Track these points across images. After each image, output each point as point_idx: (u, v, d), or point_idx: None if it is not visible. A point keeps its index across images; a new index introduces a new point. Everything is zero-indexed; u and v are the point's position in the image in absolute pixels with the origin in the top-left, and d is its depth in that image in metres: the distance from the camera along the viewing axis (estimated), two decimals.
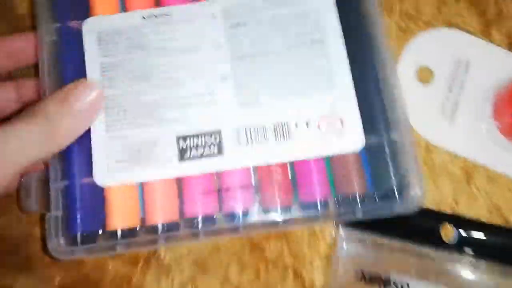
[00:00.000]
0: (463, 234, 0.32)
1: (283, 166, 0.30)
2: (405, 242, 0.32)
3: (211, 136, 0.30)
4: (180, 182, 0.30)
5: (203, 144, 0.30)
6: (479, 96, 0.35)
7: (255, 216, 0.30)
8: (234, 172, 0.30)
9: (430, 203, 0.34)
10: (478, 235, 0.32)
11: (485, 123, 0.34)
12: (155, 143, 0.30)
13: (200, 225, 0.30)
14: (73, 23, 0.31)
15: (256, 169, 0.30)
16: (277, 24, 0.31)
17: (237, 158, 0.30)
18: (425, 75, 0.35)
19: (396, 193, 0.30)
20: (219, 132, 0.30)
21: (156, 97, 0.30)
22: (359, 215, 0.30)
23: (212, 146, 0.30)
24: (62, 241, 0.29)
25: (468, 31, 0.36)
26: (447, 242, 0.32)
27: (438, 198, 0.34)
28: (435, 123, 0.35)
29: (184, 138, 0.30)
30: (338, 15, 0.31)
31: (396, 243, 0.32)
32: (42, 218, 0.30)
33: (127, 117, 0.30)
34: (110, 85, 0.31)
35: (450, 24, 0.36)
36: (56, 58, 0.31)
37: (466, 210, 0.34)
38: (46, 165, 0.30)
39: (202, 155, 0.30)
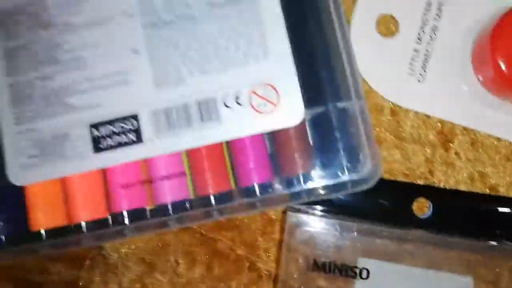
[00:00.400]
0: (439, 207, 0.27)
1: (216, 148, 0.26)
2: (369, 223, 0.27)
3: (127, 121, 0.26)
4: (103, 174, 0.27)
5: (119, 131, 0.26)
6: (455, 45, 0.28)
7: (189, 206, 0.26)
8: (160, 159, 0.26)
9: (400, 175, 0.29)
10: (456, 206, 0.28)
11: (464, 77, 0.28)
12: (66, 134, 0.26)
13: (127, 221, 0.26)
14: None
15: (186, 154, 0.26)
16: None
17: (159, 145, 0.26)
18: (387, 25, 0.29)
19: (346, 169, 0.25)
20: (135, 117, 0.26)
21: (63, 81, 0.27)
22: (306, 198, 0.26)
23: (129, 133, 0.26)
24: None
25: None
26: (420, 217, 0.27)
27: (409, 168, 0.29)
28: (402, 82, 0.28)
29: (96, 126, 0.26)
30: None
31: (358, 225, 0.28)
32: None
33: (35, 107, 0.27)
34: (16, 72, 0.27)
35: None
36: None
37: (444, 180, 0.29)
38: None
39: (119, 144, 0.26)
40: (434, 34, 0.28)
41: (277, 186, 0.26)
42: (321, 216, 0.28)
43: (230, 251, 0.30)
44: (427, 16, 0.28)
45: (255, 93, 0.25)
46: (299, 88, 0.25)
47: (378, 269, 0.27)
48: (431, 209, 0.28)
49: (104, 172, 0.27)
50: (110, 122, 0.26)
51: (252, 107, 0.25)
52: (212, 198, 0.26)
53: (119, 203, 0.26)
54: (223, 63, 0.26)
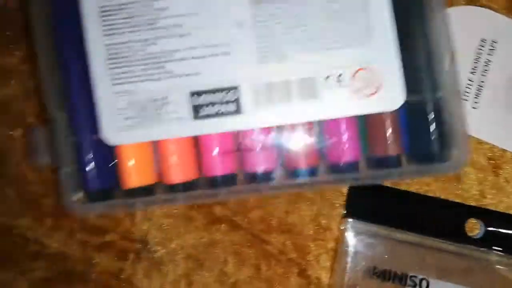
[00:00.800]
0: (490, 228, 0.29)
1: (309, 125, 0.27)
2: (424, 236, 0.29)
3: (227, 92, 0.27)
4: (196, 141, 0.28)
5: (220, 101, 0.27)
6: (506, 79, 0.30)
7: (278, 177, 0.28)
8: (255, 132, 0.27)
9: (452, 196, 0.30)
10: (507, 230, 0.29)
11: None
12: (166, 98, 0.27)
13: (220, 184, 0.28)
14: None
15: (280, 128, 0.27)
16: None
17: (257, 118, 0.27)
18: None
19: (435, 154, 0.27)
20: (236, 88, 0.27)
21: (164, 47, 0.27)
22: (394, 177, 0.28)
23: (229, 104, 0.27)
24: (76, 197, 0.28)
25: (494, 9, 0.31)
26: (472, 237, 0.29)
27: (462, 190, 0.30)
28: None
29: (198, 94, 0.27)
30: None
31: (413, 237, 0.29)
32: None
33: (133, 70, 0.27)
34: (112, 32, 0.27)
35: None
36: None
37: (494, 203, 0.30)
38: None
39: (218, 113, 0.27)
40: (487, 67, 0.30)
41: (363, 165, 0.28)
42: (380, 225, 0.29)
43: (281, 254, 0.31)
44: (481, 50, 0.31)
45: (356, 75, 0.26)
46: (401, 74, 0.26)
47: (435, 282, 0.29)
48: (483, 230, 0.29)
49: (196, 138, 0.28)
50: (212, 91, 0.27)
51: (352, 88, 0.26)
52: (304, 172, 0.27)
53: (212, 169, 0.28)
54: (327, 43, 0.26)
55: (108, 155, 0.28)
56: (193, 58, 0.26)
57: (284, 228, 0.31)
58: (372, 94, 0.26)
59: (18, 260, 0.32)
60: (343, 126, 0.27)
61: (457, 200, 0.30)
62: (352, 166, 0.27)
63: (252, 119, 0.27)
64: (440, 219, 0.30)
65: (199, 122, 0.27)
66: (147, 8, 0.26)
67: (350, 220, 0.30)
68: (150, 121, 0.27)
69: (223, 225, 0.31)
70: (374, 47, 0.26)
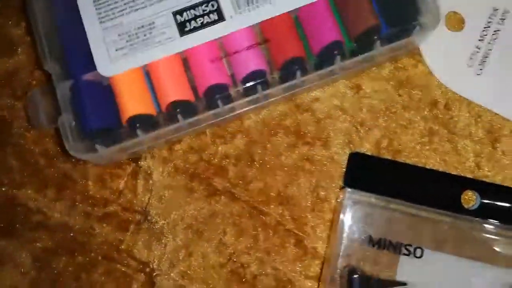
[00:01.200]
0: (485, 200, 0.29)
1: (286, 17, 0.29)
2: (420, 207, 0.29)
3: (207, 3, 0.29)
4: (185, 59, 0.29)
5: (202, 13, 0.29)
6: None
7: (269, 77, 0.29)
8: (238, 33, 0.29)
9: (450, 168, 0.31)
10: (503, 201, 0.29)
11: None
12: (153, 23, 0.29)
13: (216, 96, 0.28)
14: None
15: (259, 26, 0.29)
16: None
17: (239, 21, 0.29)
18: (454, 22, 0.32)
19: (411, 18, 0.29)
20: None
21: None
22: (377, 46, 0.29)
23: (211, 14, 0.29)
24: (79, 140, 0.28)
25: None
26: (467, 208, 0.30)
27: (459, 162, 0.31)
28: (462, 74, 0.32)
29: (181, 12, 0.29)
30: None
31: (409, 208, 0.29)
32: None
33: (118, 5, 0.29)
34: None
35: None
36: None
37: (490, 175, 0.31)
38: (48, 75, 0.29)
39: (202, 25, 0.28)
40: (496, 36, 0.32)
41: (347, 44, 0.29)
42: (377, 195, 0.30)
43: (278, 225, 0.31)
44: (492, 19, 0.32)
45: None
46: None
47: (430, 252, 0.29)
48: (478, 202, 0.30)
49: (184, 57, 0.29)
50: (192, 7, 0.29)
51: None
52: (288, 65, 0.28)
53: (207, 79, 0.28)
54: None
55: (104, 92, 0.29)
56: None
57: (282, 199, 0.31)
58: None
59: (20, 230, 0.31)
60: (318, 10, 0.29)
61: (454, 172, 0.31)
62: (336, 45, 0.29)
63: (235, 22, 0.28)
64: (436, 191, 0.30)
65: (186, 37, 0.29)
66: None
67: (348, 190, 0.30)
68: (141, 47, 0.29)
69: (222, 196, 0.31)
70: None
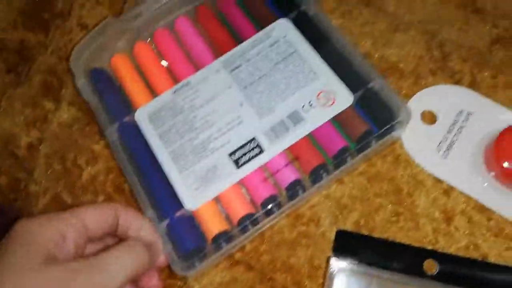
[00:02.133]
0: (444, 267, 0.37)
1: (307, 139, 0.41)
2: (392, 273, 0.37)
3: (250, 143, 0.41)
4: (242, 184, 0.41)
5: (248, 150, 0.41)
6: (473, 143, 0.41)
7: (304, 182, 0.41)
8: (276, 159, 0.41)
9: (413, 241, 0.39)
10: (458, 268, 0.37)
11: (475, 166, 0.41)
12: (216, 165, 0.41)
13: (269, 206, 0.40)
14: (126, 118, 0.44)
15: (289, 149, 0.41)
16: (260, 55, 0.44)
17: (273, 149, 0.41)
18: (429, 117, 0.43)
19: (389, 121, 0.41)
20: (253, 139, 0.41)
21: (202, 137, 0.42)
22: (373, 144, 0.41)
23: (254, 149, 0.41)
24: (179, 261, 0.38)
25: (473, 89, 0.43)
26: (429, 274, 0.37)
27: (420, 236, 0.40)
28: (432, 156, 0.42)
29: (234, 153, 0.41)
30: (300, 32, 0.44)
31: (384, 274, 0.37)
32: None
33: (189, 158, 0.42)
34: (169, 144, 0.42)
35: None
36: (125, 148, 0.43)
37: (446, 246, 0.39)
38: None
39: (250, 158, 0.41)
40: (461, 131, 0.42)
41: (351, 148, 0.41)
42: (358, 265, 0.37)
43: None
44: (458, 118, 0.42)
45: (319, 97, 0.42)
46: (343, 85, 0.42)
47: None
48: (438, 268, 0.37)
49: (242, 182, 0.41)
50: (241, 147, 0.41)
51: (320, 105, 0.41)
52: (317, 169, 0.40)
53: (260, 194, 0.40)
54: (292, 88, 0.42)
55: (191, 221, 0.40)
56: (222, 134, 0.42)
57: (286, 268, 0.40)
58: (333, 103, 0.41)
59: None
60: (324, 129, 0.41)
61: (416, 245, 0.39)
62: (345, 150, 0.41)
63: (271, 151, 0.41)
64: (404, 260, 0.38)
65: (240, 169, 0.41)
66: (184, 121, 0.43)
67: (334, 259, 0.38)
68: (211, 183, 0.41)
69: (241, 266, 0.41)
70: (320, 79, 0.42)
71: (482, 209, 0.40)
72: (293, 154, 0.41)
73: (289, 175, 0.40)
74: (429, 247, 0.39)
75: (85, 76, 0.45)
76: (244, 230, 0.40)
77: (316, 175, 0.41)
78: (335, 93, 0.42)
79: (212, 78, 0.44)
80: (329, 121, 0.41)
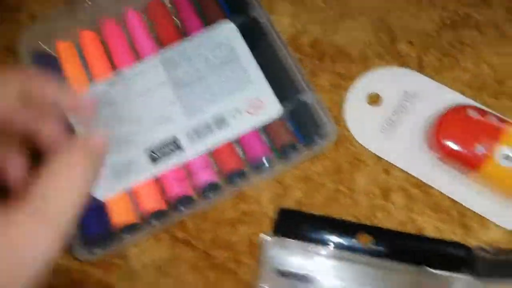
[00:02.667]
0: (379, 242, 0.38)
1: (230, 144, 0.41)
2: (325, 247, 0.38)
3: (171, 141, 0.40)
4: (158, 180, 0.40)
5: (168, 148, 0.40)
6: (417, 123, 0.42)
7: (221, 184, 0.40)
8: (195, 159, 0.40)
9: (350, 217, 0.40)
10: (392, 242, 0.38)
11: (418, 143, 0.41)
12: (133, 159, 0.40)
13: (181, 206, 0.39)
14: None
15: (211, 152, 0.40)
16: (201, 56, 0.43)
17: (193, 150, 0.40)
18: (374, 99, 0.43)
19: (316, 136, 0.40)
20: (175, 138, 0.41)
21: (127, 130, 0.41)
22: (294, 158, 0.40)
23: (174, 147, 0.40)
24: (81, 245, 0.39)
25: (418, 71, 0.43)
26: (364, 248, 0.38)
27: (358, 213, 0.40)
28: (375, 137, 0.42)
29: (153, 149, 0.40)
30: (243, 38, 0.43)
31: (316, 248, 0.38)
32: None
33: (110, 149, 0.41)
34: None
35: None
36: None
37: (382, 222, 0.40)
38: None
39: (168, 156, 0.40)
40: (406, 112, 0.42)
41: (274, 156, 0.40)
42: (296, 242, 0.38)
43: (224, 265, 0.40)
44: (402, 99, 0.42)
45: (248, 105, 0.41)
46: (273, 95, 0.41)
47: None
48: (374, 243, 0.38)
49: (158, 178, 0.40)
50: (161, 145, 0.40)
51: (248, 113, 0.40)
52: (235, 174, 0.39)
53: (174, 192, 0.39)
54: (225, 93, 0.41)
55: (99, 209, 0.40)
56: (147, 130, 0.41)
57: (227, 245, 0.40)
58: (261, 112, 0.40)
59: None
60: (251, 137, 0.40)
61: (355, 221, 0.39)
62: (267, 160, 0.40)
63: (190, 152, 0.40)
64: (341, 235, 0.38)
65: (156, 166, 0.40)
66: (115, 111, 0.42)
67: (268, 235, 0.38)
68: (125, 176, 0.40)
69: (183, 244, 0.41)
70: (253, 87, 0.41)
71: (421, 185, 0.40)
72: (214, 157, 0.41)
73: (205, 177, 0.40)
74: (367, 223, 0.39)
75: (31, 61, 0.45)
76: (150, 224, 0.40)
77: (232, 179, 0.40)
78: (265, 103, 0.41)
79: (148, 73, 0.43)
80: (256, 129, 0.40)
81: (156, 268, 0.40)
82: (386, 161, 0.41)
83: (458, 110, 0.39)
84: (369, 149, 0.41)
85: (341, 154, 0.42)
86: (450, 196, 0.39)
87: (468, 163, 0.38)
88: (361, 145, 0.41)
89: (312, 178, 0.41)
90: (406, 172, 0.40)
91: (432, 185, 0.40)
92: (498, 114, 0.39)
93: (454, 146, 0.38)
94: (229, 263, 0.40)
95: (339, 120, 0.42)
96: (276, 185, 0.41)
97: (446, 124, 0.39)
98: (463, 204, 0.39)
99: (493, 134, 0.37)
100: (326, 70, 0.44)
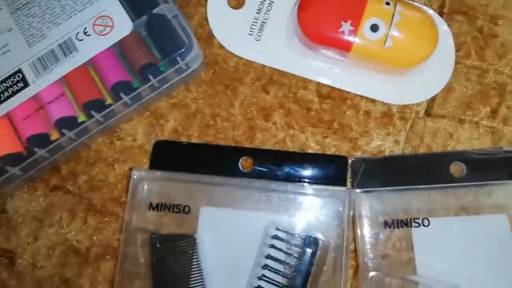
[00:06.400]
0: (260, 163, 0.37)
1: (84, 68, 0.36)
2: (201, 175, 0.36)
3: (14, 76, 0.36)
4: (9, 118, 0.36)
5: (10, 85, 0.36)
6: (284, 18, 0.39)
7: (80, 119, 0.36)
8: (44, 91, 0.36)
9: (230, 142, 0.38)
10: (272, 162, 0.37)
11: (288, 37, 0.39)
12: None
13: (36, 148, 0.35)
14: None
15: (62, 79, 0.36)
16: None
17: (40, 82, 0.36)
18: (235, 1, 0.40)
19: (180, 56, 0.36)
20: (20, 71, 0.36)
21: None
22: (156, 84, 0.36)
23: (18, 83, 0.36)
24: None
25: None
26: (246, 171, 0.37)
27: (237, 136, 0.38)
28: (244, 41, 0.39)
29: None
30: None
31: (190, 177, 0.36)
32: None
33: None
34: None
35: None
36: None
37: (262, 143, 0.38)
38: None
39: (13, 93, 0.35)
40: (270, 7, 0.40)
41: (136, 80, 0.36)
42: (162, 172, 0.36)
43: (101, 206, 0.38)
44: None
45: (95, 24, 0.36)
46: (124, 11, 0.36)
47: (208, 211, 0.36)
48: (254, 165, 0.36)
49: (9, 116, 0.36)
50: (3, 81, 0.36)
51: (97, 33, 0.36)
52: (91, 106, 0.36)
53: (26, 131, 0.35)
54: (69, 14, 0.37)
55: None
56: None
57: (103, 185, 0.38)
58: (111, 31, 0.36)
59: None
60: (105, 58, 0.36)
61: (234, 144, 0.38)
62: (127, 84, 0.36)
63: (37, 84, 0.36)
64: (221, 161, 0.37)
65: (3, 104, 0.36)
66: None
67: (138, 170, 0.36)
68: None
69: (58, 191, 0.38)
70: (100, 2, 0.37)
71: (300, 100, 0.39)
72: (68, 86, 0.36)
73: (59, 111, 0.36)
74: (247, 145, 0.38)
75: None
76: (5, 170, 0.36)
77: (90, 111, 0.36)
78: (114, 20, 0.36)
79: None
80: (112, 51, 0.36)
81: (35, 219, 0.38)
82: (265, 78, 0.39)
83: None
84: (244, 57, 0.39)
85: (217, 75, 0.39)
86: (331, 85, 0.38)
87: (337, 44, 0.36)
88: (236, 62, 0.39)
89: (187, 105, 0.39)
90: (286, 85, 0.38)
91: (311, 78, 0.38)
92: None
93: (320, 30, 0.36)
94: (108, 205, 0.38)
95: (211, 39, 0.39)
96: (151, 117, 0.39)
97: (307, 8, 0.36)
98: (346, 89, 0.38)
99: (356, 8, 0.35)
100: None
